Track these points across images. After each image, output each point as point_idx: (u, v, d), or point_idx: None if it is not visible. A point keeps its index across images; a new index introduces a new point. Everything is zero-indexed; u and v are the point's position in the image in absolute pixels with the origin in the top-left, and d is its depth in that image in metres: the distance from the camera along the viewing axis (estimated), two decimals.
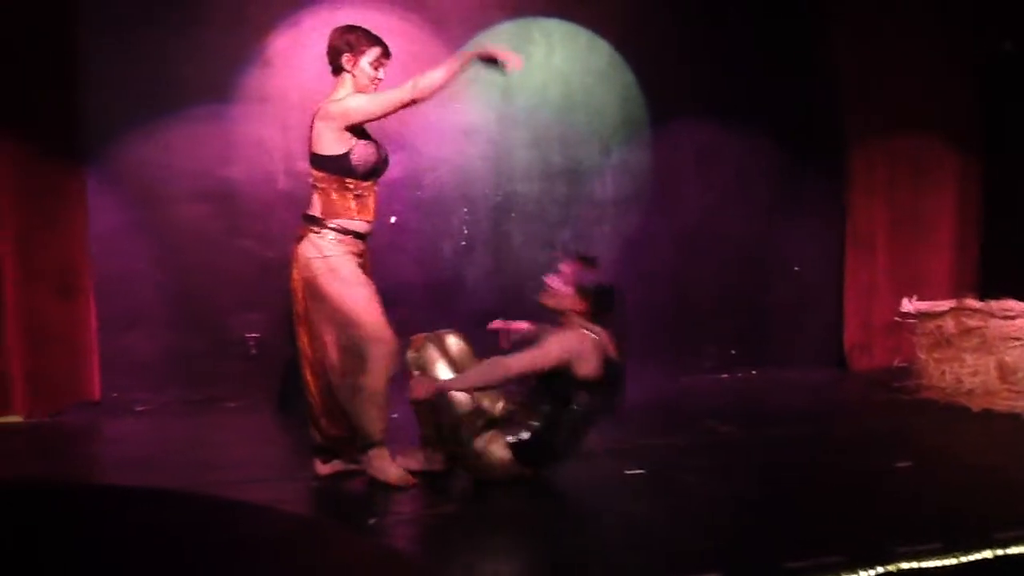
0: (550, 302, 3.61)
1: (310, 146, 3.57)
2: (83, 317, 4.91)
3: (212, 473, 3.76)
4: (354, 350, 3.47)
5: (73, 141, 4.84)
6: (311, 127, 3.57)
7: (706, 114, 5.96)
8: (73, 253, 4.86)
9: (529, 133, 5.61)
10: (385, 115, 3.53)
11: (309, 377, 3.63)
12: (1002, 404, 4.92)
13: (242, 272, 5.17)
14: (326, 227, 3.51)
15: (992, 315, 5.03)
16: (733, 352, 6.05)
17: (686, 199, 5.94)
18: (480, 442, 3.48)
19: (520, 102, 5.59)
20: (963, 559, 2.76)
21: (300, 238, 3.56)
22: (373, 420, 3.50)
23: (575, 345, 3.46)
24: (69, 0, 4.77)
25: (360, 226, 3.58)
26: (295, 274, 3.58)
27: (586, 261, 3.62)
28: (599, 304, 3.57)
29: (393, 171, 5.34)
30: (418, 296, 5.39)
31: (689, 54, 5.85)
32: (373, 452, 3.55)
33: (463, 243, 5.54)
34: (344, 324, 3.48)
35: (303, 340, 3.61)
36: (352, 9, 5.24)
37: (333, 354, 3.52)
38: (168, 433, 4.59)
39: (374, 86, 3.61)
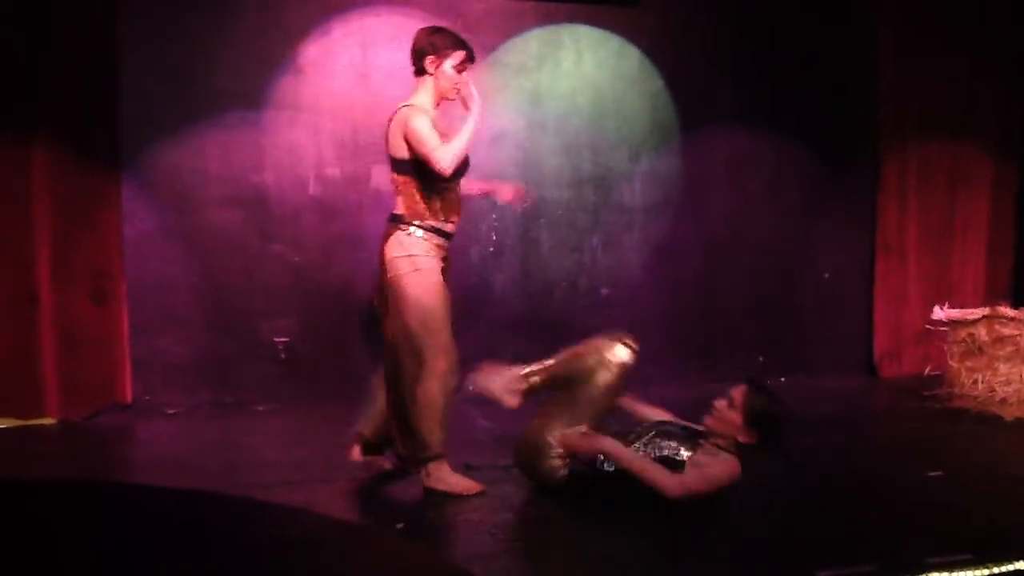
0: (715, 426, 3.36)
1: (387, 149, 3.55)
2: (116, 320, 4.97)
3: (243, 475, 3.79)
4: (417, 358, 3.46)
5: (109, 147, 4.91)
6: (387, 130, 3.55)
7: (737, 120, 5.93)
8: (107, 257, 4.92)
9: (558, 140, 5.62)
10: (422, 156, 3.46)
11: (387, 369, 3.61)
12: None
13: (273, 276, 5.23)
14: (412, 225, 3.49)
15: None
16: (761, 359, 6.01)
17: (716, 206, 5.93)
18: (555, 455, 3.45)
19: (550, 109, 5.60)
20: (994, 570, 2.74)
21: (386, 236, 3.54)
22: (430, 432, 3.47)
23: (731, 477, 3.31)
24: (107, 10, 4.85)
25: (446, 226, 3.56)
26: (381, 273, 3.55)
27: (761, 391, 3.37)
28: (768, 441, 3.36)
29: None
30: None
31: (720, 60, 5.83)
32: (431, 465, 3.51)
33: (491, 249, 5.56)
34: (413, 329, 3.45)
35: (387, 334, 3.57)
36: (384, 16, 5.30)
37: (400, 356, 3.50)
38: (199, 435, 4.64)
39: (455, 90, 3.58)
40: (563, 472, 3.46)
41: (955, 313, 5.30)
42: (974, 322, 5.16)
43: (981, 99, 6.18)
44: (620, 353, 3.44)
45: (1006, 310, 5.15)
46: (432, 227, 3.52)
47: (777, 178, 6.05)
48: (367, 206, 5.33)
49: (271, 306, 5.23)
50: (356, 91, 5.28)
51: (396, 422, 3.55)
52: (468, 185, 3.69)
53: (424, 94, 3.57)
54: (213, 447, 4.40)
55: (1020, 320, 5.00)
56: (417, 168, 3.49)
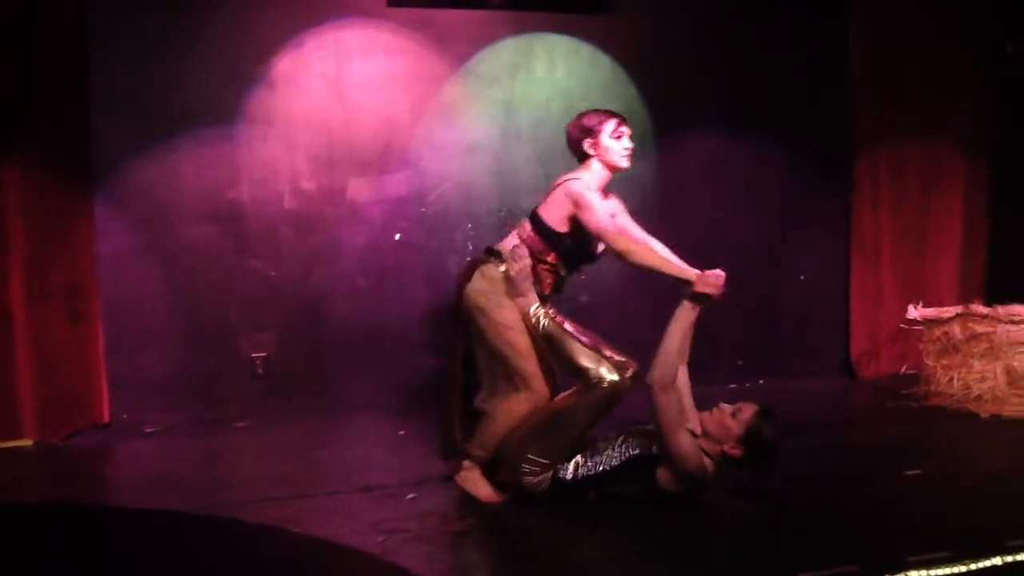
0: (710, 424, 3.41)
1: (541, 202, 3.67)
2: (92, 339, 4.93)
3: (223, 493, 3.77)
4: (512, 379, 3.55)
5: (81, 165, 4.88)
6: (554, 187, 3.65)
7: (711, 124, 5.96)
8: (82, 275, 4.89)
9: (533, 148, 5.63)
10: (595, 235, 3.54)
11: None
12: (1011, 410, 4.92)
13: (250, 292, 5.21)
14: (501, 262, 3.61)
15: (999, 320, 5.02)
16: (740, 362, 6.04)
17: (692, 210, 5.95)
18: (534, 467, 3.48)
19: (523, 117, 5.62)
20: (972, 567, 2.76)
21: (474, 264, 3.67)
22: (487, 439, 3.58)
23: (698, 467, 3.36)
24: (79, 26, 4.82)
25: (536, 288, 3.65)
26: (458, 301, 3.66)
27: (770, 419, 3.38)
28: (751, 464, 3.39)
29: (398, 188, 5.42)
30: (424, 313, 5.41)
31: (692, 65, 5.85)
32: (468, 463, 3.63)
33: (468, 259, 5.55)
34: (503, 354, 3.55)
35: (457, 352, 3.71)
36: (356, 28, 5.30)
37: (496, 375, 3.61)
38: (178, 453, 4.61)
39: (625, 157, 3.67)
40: (543, 485, 3.47)
41: (930, 312, 5.35)
42: (948, 320, 5.21)
43: (953, 99, 6.22)
44: (607, 375, 3.47)
45: (979, 308, 5.20)
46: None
47: (752, 182, 6.08)
48: (343, 219, 5.33)
49: (248, 321, 5.21)
50: (330, 104, 5.28)
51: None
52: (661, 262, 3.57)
53: (589, 174, 3.65)
54: (192, 465, 4.37)
55: (993, 317, 5.05)
56: (560, 244, 3.61)
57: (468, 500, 3.60)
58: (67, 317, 4.83)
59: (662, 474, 3.37)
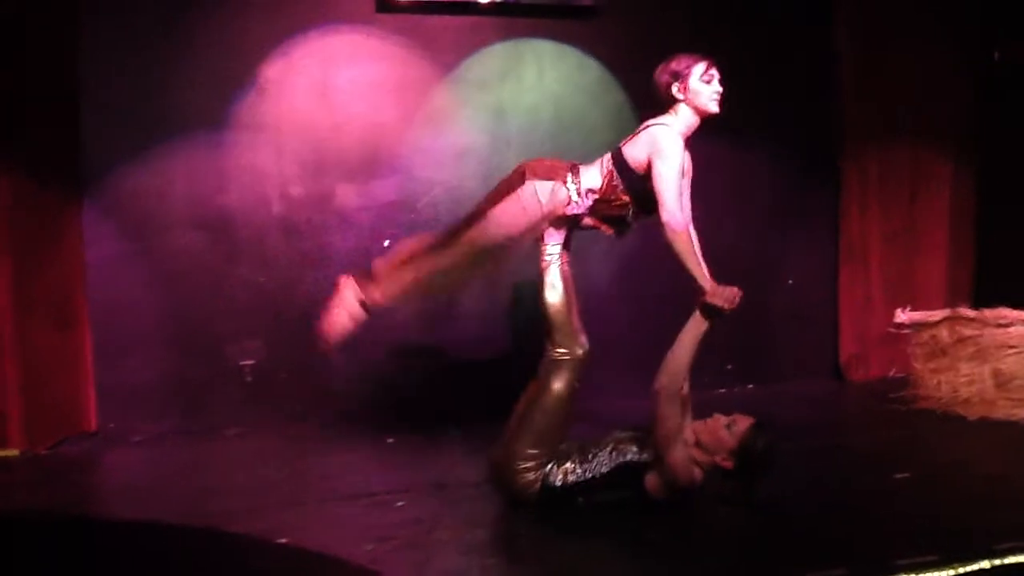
0: (703, 433, 3.39)
1: (626, 140, 3.61)
2: (79, 347, 4.91)
3: (211, 502, 3.75)
4: (451, 235, 3.57)
5: (69, 171, 4.87)
6: (641, 128, 3.60)
7: (701, 128, 5.95)
8: (70, 283, 4.87)
9: (522, 155, 5.56)
10: (657, 193, 3.49)
11: None
12: (998, 412, 4.93)
13: (239, 298, 5.19)
14: (577, 183, 3.54)
15: (986, 324, 5.04)
16: (729, 367, 6.05)
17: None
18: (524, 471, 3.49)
19: (512, 123, 5.62)
20: (960, 570, 2.77)
21: (561, 170, 3.58)
22: (396, 270, 3.62)
23: (688, 478, 3.36)
24: (68, 33, 4.81)
25: (594, 225, 3.63)
26: (521, 169, 3.60)
27: (766, 434, 3.37)
28: (742, 476, 3.37)
29: (388, 194, 5.41)
30: (412, 318, 5.40)
31: None
32: (362, 286, 3.74)
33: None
34: (469, 231, 3.55)
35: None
36: (344, 34, 5.30)
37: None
38: (166, 462, 4.59)
39: (716, 101, 3.64)
40: (534, 487, 3.47)
41: (917, 316, 5.36)
42: (936, 324, 5.23)
43: (942, 103, 6.24)
44: (560, 350, 3.49)
45: (966, 311, 5.22)
46: (587, 210, 3.59)
47: (741, 185, 6.09)
48: (332, 225, 5.32)
49: (237, 328, 5.19)
50: (318, 110, 5.28)
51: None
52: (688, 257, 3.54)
53: (677, 119, 3.61)
54: (180, 474, 4.35)
55: (981, 321, 5.07)
56: (638, 186, 3.54)
57: (459, 508, 3.58)
58: (55, 324, 4.80)
59: (650, 480, 3.38)
